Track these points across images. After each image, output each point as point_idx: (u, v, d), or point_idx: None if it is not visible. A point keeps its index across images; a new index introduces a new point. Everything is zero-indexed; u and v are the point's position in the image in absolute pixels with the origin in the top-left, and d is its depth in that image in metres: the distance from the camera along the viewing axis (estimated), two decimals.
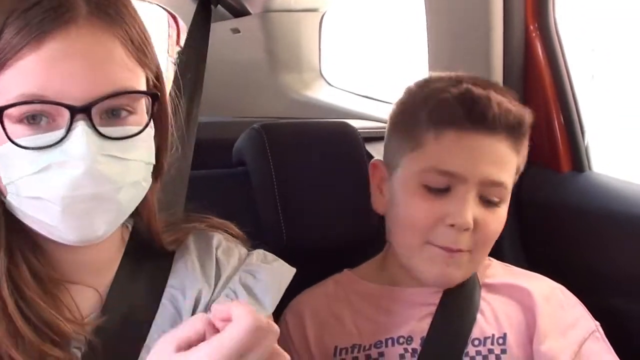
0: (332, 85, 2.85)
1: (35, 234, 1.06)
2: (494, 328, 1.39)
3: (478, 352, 1.36)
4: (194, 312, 1.13)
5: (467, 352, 1.36)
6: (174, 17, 2.91)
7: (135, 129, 1.01)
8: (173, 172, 1.21)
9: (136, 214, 1.13)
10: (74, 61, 0.95)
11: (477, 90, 1.37)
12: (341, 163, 1.72)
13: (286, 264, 1.24)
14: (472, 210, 1.33)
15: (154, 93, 1.05)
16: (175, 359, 0.86)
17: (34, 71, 0.95)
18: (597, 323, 1.42)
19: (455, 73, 1.46)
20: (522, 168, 1.45)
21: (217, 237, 1.23)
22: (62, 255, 1.09)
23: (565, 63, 1.82)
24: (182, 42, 1.50)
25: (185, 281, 1.16)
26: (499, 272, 1.50)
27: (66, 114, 0.95)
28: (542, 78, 1.81)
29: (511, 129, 1.36)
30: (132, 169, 1.01)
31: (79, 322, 1.06)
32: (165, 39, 3.00)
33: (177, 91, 1.29)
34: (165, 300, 1.14)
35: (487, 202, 1.37)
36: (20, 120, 0.96)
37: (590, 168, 1.82)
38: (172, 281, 1.16)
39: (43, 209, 0.99)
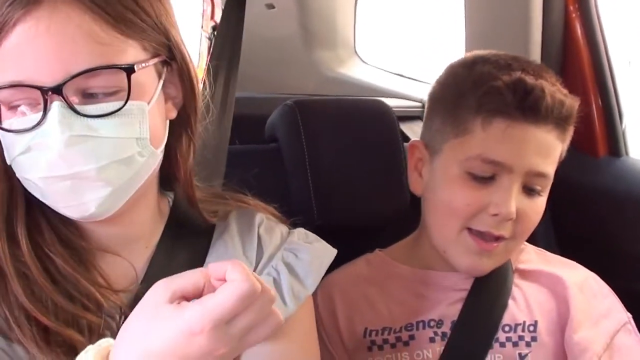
0: (366, 63, 2.84)
1: None
2: (525, 315, 1.38)
3: (508, 339, 1.36)
4: None
5: (497, 338, 1.35)
6: None
7: (117, 105, 0.99)
8: (212, 146, 1.20)
9: (176, 185, 1.13)
10: (40, 43, 0.95)
11: (530, 80, 1.33)
12: (375, 142, 1.70)
13: (328, 245, 1.24)
14: (515, 200, 1.32)
15: (128, 67, 1.00)
16: (165, 311, 0.85)
17: (9, 57, 0.95)
18: (630, 315, 1.41)
19: (498, 53, 1.42)
20: (564, 154, 1.42)
21: (259, 215, 1.22)
22: (91, 226, 1.10)
23: (605, 46, 1.80)
24: (217, 17, 1.49)
25: (224, 258, 1.15)
26: (532, 258, 1.48)
27: (41, 96, 0.96)
28: (581, 60, 1.79)
29: (561, 120, 1.34)
30: (116, 146, 1.00)
31: (114, 289, 1.07)
32: (199, 14, 3.00)
33: (214, 66, 1.28)
34: None
35: (529, 191, 1.35)
36: (11, 107, 0.98)
37: (627, 153, 1.80)
38: (210, 257, 1.16)
39: (34, 189, 1.01)
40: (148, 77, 1.04)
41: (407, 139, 1.61)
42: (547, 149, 1.34)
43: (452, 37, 2.40)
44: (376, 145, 1.70)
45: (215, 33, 1.57)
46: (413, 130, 1.67)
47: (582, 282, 1.42)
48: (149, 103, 1.03)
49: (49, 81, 0.95)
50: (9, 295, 1.01)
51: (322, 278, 1.22)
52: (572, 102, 1.36)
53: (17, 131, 0.97)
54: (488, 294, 1.39)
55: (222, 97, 1.13)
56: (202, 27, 3.06)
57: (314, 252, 1.20)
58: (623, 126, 1.80)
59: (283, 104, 1.72)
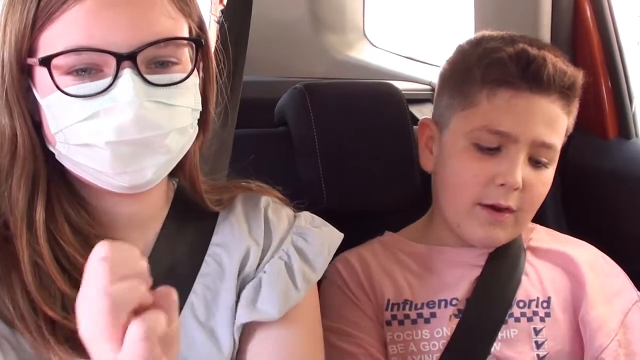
0: (375, 46, 2.83)
1: (83, 188, 1.08)
2: (539, 291, 1.40)
3: (523, 314, 1.37)
4: (241, 270, 1.14)
5: (512, 313, 1.37)
6: None
7: (181, 76, 1.03)
8: (218, 129, 1.21)
9: (180, 170, 1.14)
10: (117, 10, 0.97)
11: (533, 50, 1.37)
12: (384, 125, 1.71)
13: (335, 229, 1.25)
14: (521, 170, 1.34)
15: (197, 39, 1.07)
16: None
17: (80, 22, 0.96)
18: (639, 292, 1.42)
19: (507, 32, 1.45)
20: (571, 129, 1.44)
21: (265, 198, 1.23)
22: (110, 208, 1.10)
23: (615, 27, 1.79)
24: (225, 1, 1.48)
25: (229, 240, 1.16)
26: (543, 237, 1.50)
27: (112, 62, 0.97)
28: (591, 42, 1.78)
29: (564, 90, 1.37)
30: (178, 115, 1.03)
31: None
32: None
33: (221, 50, 1.29)
34: (208, 258, 1.15)
35: (535, 163, 1.37)
36: (68, 72, 0.98)
37: (637, 135, 1.80)
38: (215, 239, 1.17)
39: (92, 156, 1.00)
40: (188, 55, 1.07)
41: (416, 121, 1.60)
42: (552, 119, 1.37)
43: (461, 20, 2.39)
44: (386, 128, 1.70)
45: (223, 16, 1.57)
46: (423, 113, 1.67)
47: (592, 261, 1.43)
48: None
49: (123, 47, 0.97)
50: (14, 286, 1.01)
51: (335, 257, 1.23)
52: (575, 72, 1.39)
53: (84, 96, 0.98)
54: (501, 270, 1.41)
55: (230, 80, 1.14)
56: (210, 11, 3.05)
57: (323, 236, 1.21)
58: (633, 108, 1.80)
59: (292, 87, 1.72)
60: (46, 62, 0.97)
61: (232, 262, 1.14)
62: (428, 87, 2.24)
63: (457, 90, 1.42)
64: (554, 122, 1.37)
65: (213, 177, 1.25)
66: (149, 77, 0.99)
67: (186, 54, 1.05)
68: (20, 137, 1.03)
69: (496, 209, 1.36)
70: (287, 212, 1.23)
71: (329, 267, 1.32)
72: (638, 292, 1.42)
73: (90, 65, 0.98)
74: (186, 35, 1.05)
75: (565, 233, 1.57)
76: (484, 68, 1.38)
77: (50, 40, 0.98)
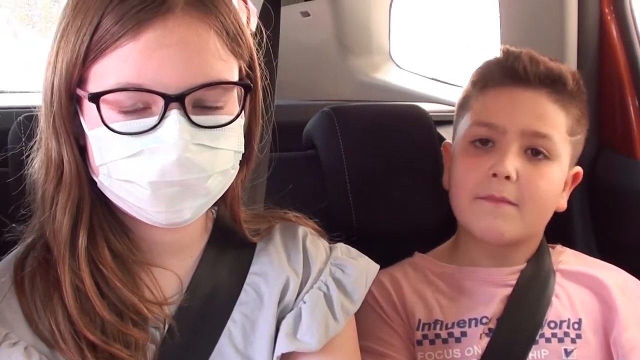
0: (401, 68, 2.84)
1: (122, 215, 1.10)
2: (570, 312, 1.40)
3: (554, 335, 1.37)
4: (281, 300, 1.15)
5: (543, 334, 1.37)
6: (244, 0, 2.92)
7: (227, 119, 1.03)
8: (257, 157, 1.22)
9: (220, 201, 1.14)
10: (170, 51, 0.97)
11: (512, 50, 1.49)
12: (412, 147, 1.71)
13: (371, 261, 1.26)
14: (513, 161, 1.38)
15: (247, 84, 1.07)
16: None
17: (131, 60, 0.97)
18: None
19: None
20: (580, 133, 1.48)
21: (302, 229, 1.24)
22: (148, 236, 1.11)
23: None
24: (252, 26, 1.50)
25: (268, 269, 1.17)
26: (571, 260, 1.50)
27: (160, 102, 0.97)
28: (617, 62, 1.78)
29: (549, 84, 1.43)
30: (221, 158, 1.03)
31: (160, 302, 1.08)
32: None
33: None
34: (247, 287, 1.16)
35: (534, 155, 1.40)
36: (119, 110, 0.99)
37: None
38: (254, 268, 1.18)
39: (133, 192, 1.01)
40: (236, 96, 1.07)
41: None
42: (542, 111, 1.42)
43: (488, 41, 2.40)
44: (413, 150, 1.71)
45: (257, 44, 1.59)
46: (449, 134, 1.67)
47: (622, 285, 1.43)
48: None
49: (172, 88, 0.97)
50: (55, 309, 1.03)
51: None
52: (555, 65, 1.46)
53: (129, 134, 0.98)
54: (532, 289, 1.42)
55: (263, 106, 1.15)
56: None
57: (359, 268, 1.21)
58: None
59: (320, 110, 1.73)
60: (95, 98, 0.98)
61: (272, 292, 1.15)
62: (454, 108, 2.25)
63: (460, 106, 1.52)
64: (544, 114, 1.42)
65: (252, 208, 1.25)
66: (195, 119, 0.99)
67: (234, 95, 1.06)
68: (67, 164, 1.04)
69: (493, 199, 1.39)
70: (323, 243, 1.24)
71: None
72: None
73: (138, 102, 0.98)
74: (236, 76, 1.05)
75: (594, 253, 1.57)
76: (475, 75, 1.52)
77: (101, 74, 0.99)
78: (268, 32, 1.27)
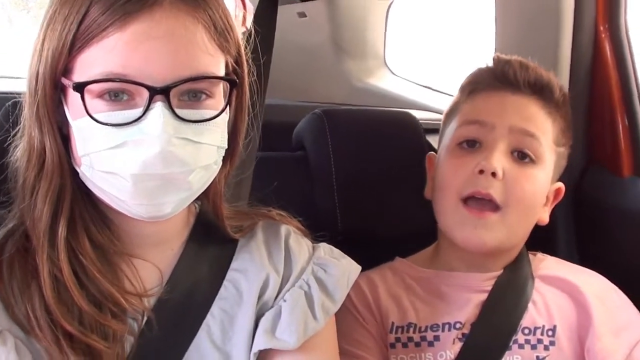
0: (395, 75, 2.85)
1: (104, 206, 1.09)
2: (545, 319, 1.40)
3: (527, 341, 1.38)
4: (260, 297, 1.16)
5: (517, 340, 1.38)
6: None
7: (211, 113, 1.03)
8: (242, 154, 1.22)
9: (203, 196, 1.14)
10: (156, 43, 0.97)
11: (503, 57, 1.52)
12: (401, 153, 1.72)
13: (354, 262, 1.26)
14: (500, 158, 1.39)
15: (233, 79, 1.07)
16: None
17: (117, 50, 0.96)
18: None
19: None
20: (564, 146, 1.50)
21: (285, 227, 1.24)
22: (129, 228, 1.11)
23: (634, 66, 1.79)
24: (248, 24, 1.49)
25: (249, 266, 1.18)
26: (552, 265, 1.51)
27: (145, 93, 0.97)
28: (609, 79, 1.79)
29: (538, 91, 1.45)
30: (204, 153, 1.03)
31: (139, 294, 1.08)
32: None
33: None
34: (227, 282, 1.16)
35: (519, 160, 1.41)
36: (100, 95, 0.99)
37: None
38: (235, 264, 1.18)
39: (114, 184, 1.01)
40: (222, 90, 1.07)
41: (433, 151, 1.62)
42: (530, 114, 1.44)
43: (482, 50, 2.41)
44: (402, 157, 1.72)
45: (246, 39, 1.59)
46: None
47: (602, 294, 1.43)
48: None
49: (157, 81, 0.97)
50: (33, 297, 1.02)
51: None
52: (543, 73, 1.48)
53: (113, 125, 0.98)
54: (508, 295, 1.42)
55: (252, 105, 1.15)
56: None
57: (342, 268, 1.22)
58: None
59: (311, 112, 1.74)
60: (80, 88, 0.98)
61: (251, 288, 1.15)
62: None
63: (448, 114, 1.53)
64: (532, 117, 1.44)
65: (236, 205, 1.25)
66: (180, 112, 0.99)
67: (220, 89, 1.06)
68: (49, 153, 1.04)
69: (479, 204, 1.38)
70: (306, 242, 1.25)
71: None
72: None
73: (122, 92, 0.98)
74: (222, 71, 1.06)
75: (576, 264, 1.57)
76: (464, 82, 1.54)
77: (87, 64, 0.99)
78: (257, 28, 1.27)
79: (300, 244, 1.23)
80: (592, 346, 1.36)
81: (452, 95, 1.57)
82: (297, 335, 1.11)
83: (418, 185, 1.57)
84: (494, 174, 1.37)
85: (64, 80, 1.01)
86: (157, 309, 1.09)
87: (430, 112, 2.36)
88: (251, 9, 1.55)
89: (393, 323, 1.42)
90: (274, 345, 1.11)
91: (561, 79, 1.77)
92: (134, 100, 0.99)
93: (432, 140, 1.84)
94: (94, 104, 0.98)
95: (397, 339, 1.41)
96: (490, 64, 1.52)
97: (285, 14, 2.07)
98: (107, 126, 0.98)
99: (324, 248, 1.25)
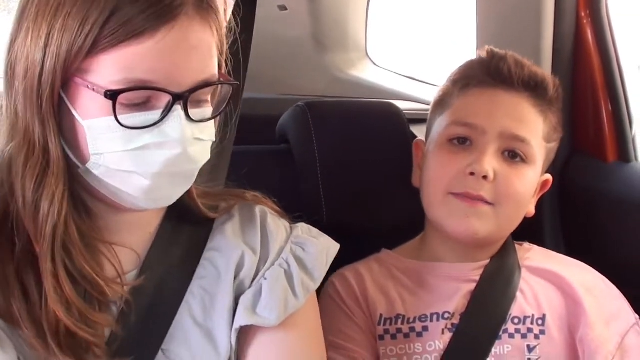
0: (377, 66, 2.85)
1: (87, 198, 1.09)
2: (534, 308, 1.41)
3: (517, 330, 1.38)
4: (237, 276, 1.17)
5: (507, 329, 1.38)
6: None
7: (209, 110, 1.07)
8: (216, 146, 1.22)
9: None
10: (182, 51, 0.99)
11: (497, 51, 1.49)
12: (385, 144, 1.72)
13: (332, 240, 1.26)
14: (491, 161, 1.39)
15: (237, 83, 1.11)
16: None
17: (145, 57, 0.97)
18: (637, 316, 1.42)
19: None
20: (555, 141, 1.50)
21: (261, 207, 1.25)
22: (109, 216, 1.12)
23: (616, 52, 1.80)
24: (228, 17, 1.49)
25: (224, 244, 1.19)
26: (539, 257, 1.51)
27: (165, 98, 0.99)
28: (592, 66, 1.79)
29: (532, 88, 1.44)
30: (206, 149, 1.07)
31: (120, 279, 1.09)
32: None
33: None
34: (204, 261, 1.17)
35: (511, 158, 1.41)
36: (121, 103, 0.99)
37: (636, 159, 1.80)
38: (211, 244, 1.19)
39: (129, 182, 1.02)
40: None
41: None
42: (522, 115, 1.43)
43: (464, 40, 2.40)
44: (386, 147, 1.71)
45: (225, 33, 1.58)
46: (423, 133, 1.67)
47: (589, 283, 1.44)
48: None
49: (181, 86, 0.99)
50: (14, 289, 1.01)
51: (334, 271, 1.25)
52: (539, 71, 1.48)
53: (136, 128, 0.99)
54: (496, 285, 1.43)
55: (230, 97, 1.15)
56: None
57: (320, 246, 1.23)
58: (633, 132, 1.80)
59: (294, 105, 1.73)
60: (114, 96, 0.97)
61: (228, 266, 1.17)
62: (428, 107, 2.25)
63: (438, 104, 1.52)
64: (524, 118, 1.43)
65: (207, 185, 1.25)
66: (191, 113, 1.01)
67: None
68: (54, 154, 1.02)
69: (469, 197, 1.39)
70: (283, 223, 1.25)
71: (327, 283, 1.34)
72: (636, 315, 1.42)
73: (141, 98, 0.99)
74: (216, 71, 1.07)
75: (562, 252, 1.57)
76: (456, 74, 1.52)
77: (107, 66, 0.97)
78: (236, 21, 1.26)
79: (277, 224, 1.23)
80: (585, 336, 1.37)
81: (435, 86, 1.56)
82: (278, 313, 1.12)
83: (403, 175, 1.56)
84: (485, 177, 1.38)
85: (78, 80, 0.99)
86: (135, 293, 1.10)
87: (414, 103, 2.35)
88: (231, 3, 1.54)
89: (381, 315, 1.42)
90: (254, 322, 1.12)
91: (543, 67, 1.78)
92: (151, 103, 1.00)
93: (416, 130, 1.84)
94: (109, 104, 0.98)
95: (386, 331, 1.41)
96: (483, 55, 1.51)
97: (265, 7, 2.07)
98: (127, 129, 0.99)
99: (302, 227, 1.26)
